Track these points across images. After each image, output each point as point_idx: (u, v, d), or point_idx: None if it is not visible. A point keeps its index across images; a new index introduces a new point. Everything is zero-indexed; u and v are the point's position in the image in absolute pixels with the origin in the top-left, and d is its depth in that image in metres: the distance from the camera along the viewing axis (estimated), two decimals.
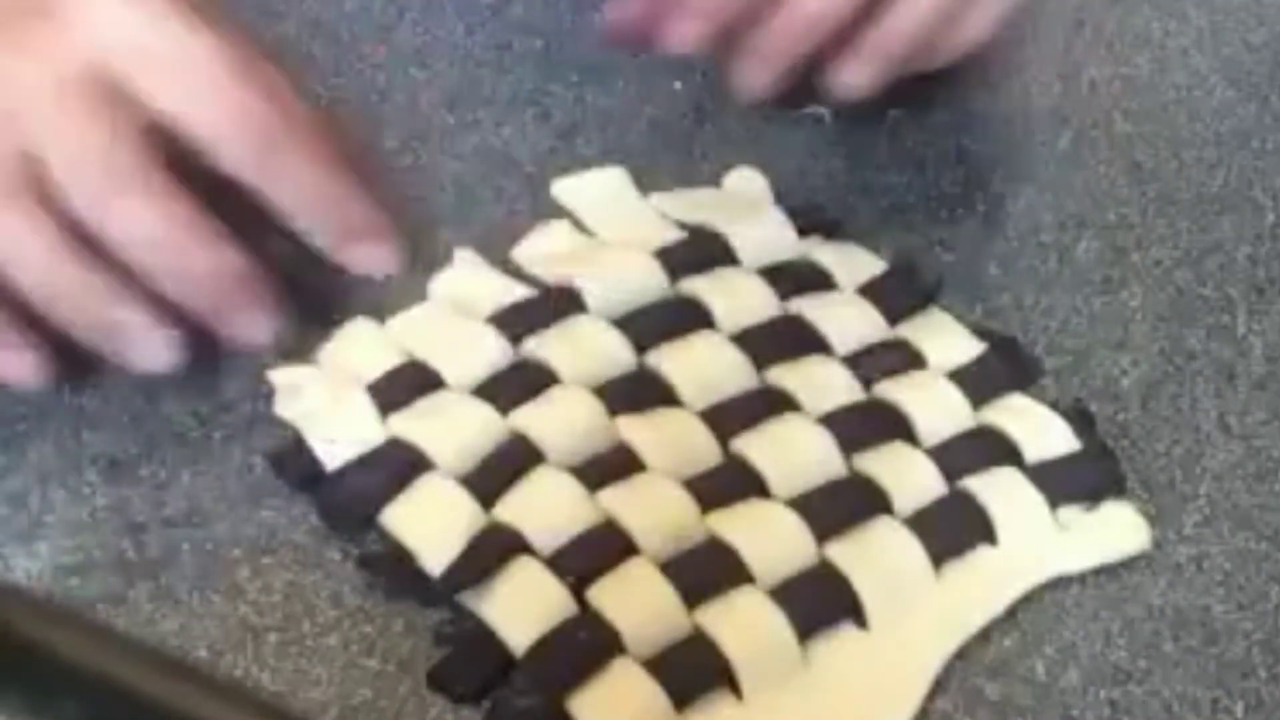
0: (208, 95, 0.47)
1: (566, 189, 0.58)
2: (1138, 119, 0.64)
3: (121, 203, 0.47)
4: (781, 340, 0.54)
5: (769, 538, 0.49)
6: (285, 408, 0.52)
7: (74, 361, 0.50)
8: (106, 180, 0.47)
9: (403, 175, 0.59)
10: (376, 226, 0.51)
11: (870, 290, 0.56)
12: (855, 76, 0.55)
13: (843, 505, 0.50)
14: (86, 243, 0.47)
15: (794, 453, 0.51)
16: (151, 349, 0.49)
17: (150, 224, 0.47)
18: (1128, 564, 0.51)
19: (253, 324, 0.50)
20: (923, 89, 0.59)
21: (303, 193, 0.49)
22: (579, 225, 0.57)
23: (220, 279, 0.49)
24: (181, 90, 0.47)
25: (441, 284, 0.55)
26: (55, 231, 0.47)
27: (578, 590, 0.47)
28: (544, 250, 0.56)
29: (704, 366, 0.53)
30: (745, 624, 0.47)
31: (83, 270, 0.47)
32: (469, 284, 0.55)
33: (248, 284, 0.49)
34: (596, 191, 0.59)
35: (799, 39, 0.55)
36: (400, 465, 0.50)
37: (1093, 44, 0.67)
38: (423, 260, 0.55)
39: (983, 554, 0.50)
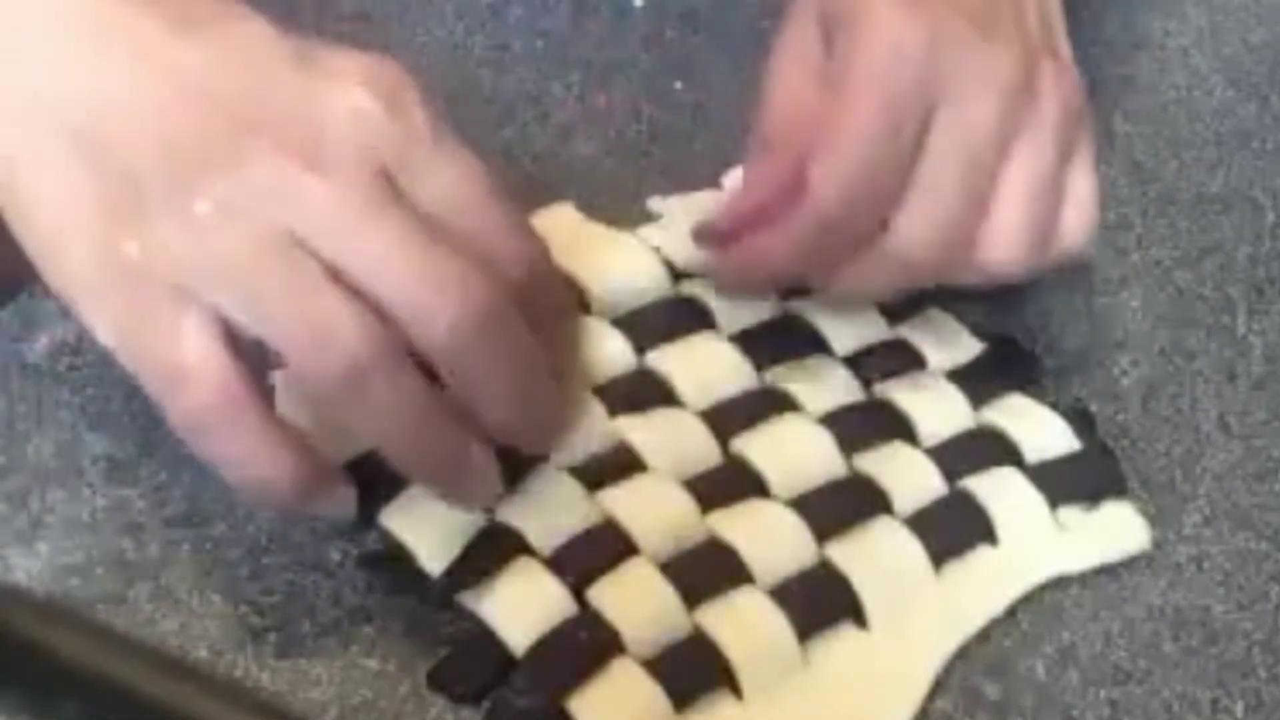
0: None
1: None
2: (1138, 119, 0.64)
3: (480, 340, 0.43)
4: (781, 340, 0.54)
5: (769, 538, 0.49)
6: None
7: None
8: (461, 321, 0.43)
9: None
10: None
11: None
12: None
13: (843, 505, 0.50)
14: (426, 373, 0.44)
15: (794, 453, 0.51)
16: (490, 481, 0.47)
17: (506, 360, 0.44)
18: (1128, 564, 0.51)
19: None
20: None
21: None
22: (583, 211, 0.57)
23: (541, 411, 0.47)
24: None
25: None
26: (424, 395, 0.43)
27: (578, 590, 0.47)
28: (546, 234, 0.56)
29: (704, 366, 0.53)
30: (745, 624, 0.47)
31: (449, 428, 0.45)
32: None
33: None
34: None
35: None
36: None
37: (1093, 44, 0.67)
38: None
39: (983, 554, 0.50)
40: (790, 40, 0.52)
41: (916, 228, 0.49)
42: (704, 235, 0.53)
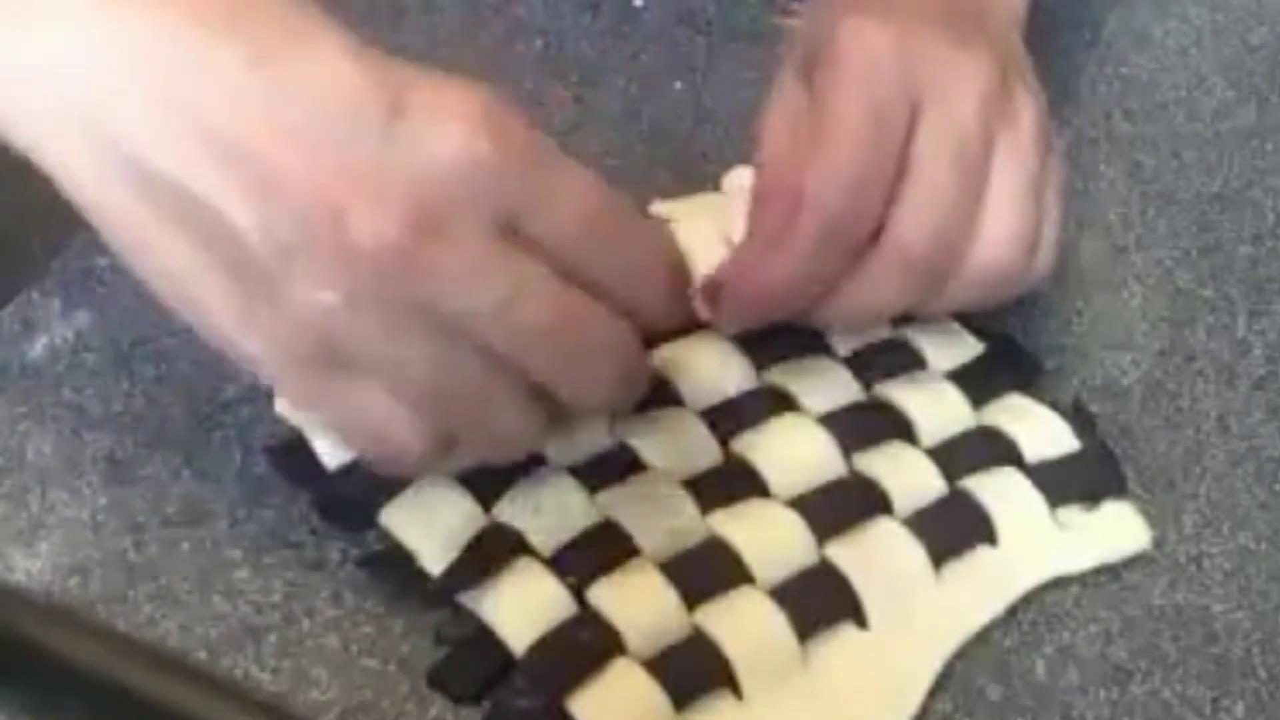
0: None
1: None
2: (1138, 119, 0.64)
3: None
4: (782, 340, 0.54)
5: (769, 538, 0.49)
6: (285, 408, 0.52)
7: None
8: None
9: None
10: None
11: None
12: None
13: (843, 505, 0.50)
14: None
15: (794, 453, 0.51)
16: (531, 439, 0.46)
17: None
18: (1128, 564, 0.51)
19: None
20: None
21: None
22: None
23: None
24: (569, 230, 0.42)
25: None
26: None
27: (578, 590, 0.47)
28: None
29: (704, 367, 0.53)
30: (745, 624, 0.47)
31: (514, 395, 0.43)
32: None
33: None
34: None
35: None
36: None
37: (1093, 44, 0.67)
38: None
39: (983, 554, 0.50)
40: (776, 98, 0.53)
41: (912, 221, 0.49)
42: (711, 292, 0.51)
